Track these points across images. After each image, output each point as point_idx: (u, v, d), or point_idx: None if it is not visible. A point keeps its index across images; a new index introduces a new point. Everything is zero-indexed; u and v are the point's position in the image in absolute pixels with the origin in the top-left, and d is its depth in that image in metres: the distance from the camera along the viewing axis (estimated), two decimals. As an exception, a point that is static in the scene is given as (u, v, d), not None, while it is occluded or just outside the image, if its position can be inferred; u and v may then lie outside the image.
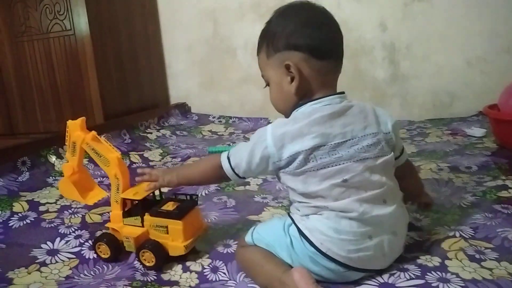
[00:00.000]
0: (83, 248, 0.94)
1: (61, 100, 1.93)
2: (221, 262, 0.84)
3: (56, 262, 0.90)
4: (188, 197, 0.89)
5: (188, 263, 0.85)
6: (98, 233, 0.96)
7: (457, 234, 0.86)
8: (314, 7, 0.79)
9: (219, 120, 2.28)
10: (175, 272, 0.83)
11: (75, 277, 0.84)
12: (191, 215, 0.86)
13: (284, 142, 0.72)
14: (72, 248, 0.95)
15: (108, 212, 1.10)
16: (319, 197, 0.71)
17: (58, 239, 0.98)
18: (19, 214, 1.11)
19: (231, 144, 1.88)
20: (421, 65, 2.01)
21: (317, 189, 0.71)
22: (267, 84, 0.82)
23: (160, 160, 1.64)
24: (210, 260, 0.85)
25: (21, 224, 1.06)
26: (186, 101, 2.43)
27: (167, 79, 2.45)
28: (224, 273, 0.81)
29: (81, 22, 1.78)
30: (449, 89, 2.00)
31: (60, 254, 0.93)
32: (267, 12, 2.16)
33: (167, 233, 0.84)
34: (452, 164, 1.29)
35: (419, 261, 0.76)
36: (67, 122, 0.92)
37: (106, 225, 0.90)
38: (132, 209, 0.88)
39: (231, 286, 0.77)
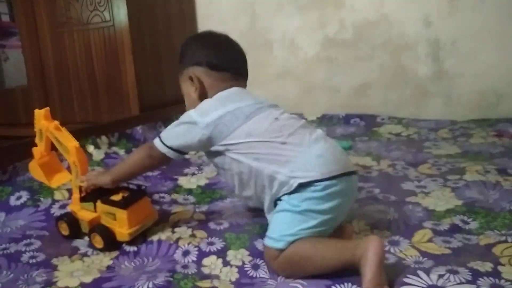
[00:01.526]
0: (123, 242, 0.94)
1: (98, 90, 1.95)
2: (262, 260, 0.83)
3: (98, 253, 0.91)
4: (137, 187, 0.97)
5: (228, 258, 0.84)
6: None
7: (509, 240, 0.82)
8: (217, 35, 0.99)
9: (253, 114, 2.26)
10: (215, 266, 0.83)
11: (116, 267, 0.85)
12: (138, 205, 0.93)
13: (207, 112, 0.86)
14: (113, 239, 0.96)
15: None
16: (274, 136, 0.82)
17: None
18: (60, 202, 1.12)
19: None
20: (467, 63, 1.93)
21: (264, 127, 0.84)
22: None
23: (195, 154, 1.64)
24: (251, 257, 0.84)
25: (62, 212, 1.07)
26: (220, 94, 2.42)
27: (203, 72, 2.45)
28: (265, 271, 0.80)
29: (121, 14, 1.80)
30: (496, 89, 1.91)
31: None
32: (306, 5, 2.15)
33: (115, 220, 0.91)
34: (500, 166, 1.24)
35: (469, 264, 0.72)
36: (34, 111, 1.00)
37: (68, 206, 1.00)
38: (88, 195, 0.96)
39: (271, 285, 0.76)
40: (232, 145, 0.84)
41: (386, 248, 0.82)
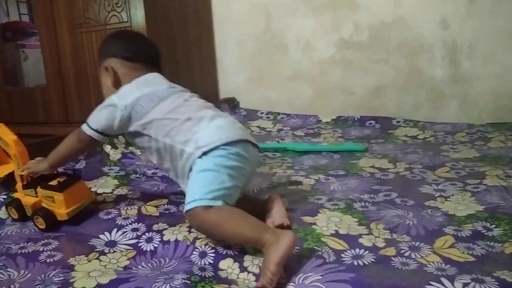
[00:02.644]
0: (140, 241, 0.94)
1: (115, 91, 1.96)
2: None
3: (114, 252, 0.91)
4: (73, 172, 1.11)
5: (245, 264, 0.83)
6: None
7: (536, 248, 0.80)
8: (132, 32, 1.25)
9: (267, 116, 2.26)
10: (232, 271, 0.82)
11: (133, 268, 0.85)
12: (74, 187, 1.03)
13: (125, 95, 0.99)
14: (129, 239, 0.95)
15: (164, 205, 1.11)
16: (181, 114, 0.96)
17: (115, 230, 0.99)
18: (78, 203, 1.13)
19: (280, 141, 1.86)
20: (485, 66, 1.91)
21: (173, 106, 0.98)
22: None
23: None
24: (268, 261, 0.83)
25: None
26: (235, 96, 2.42)
27: (217, 74, 2.45)
28: (283, 277, 0.78)
29: (138, 14, 1.80)
30: (514, 92, 1.89)
31: (118, 245, 0.94)
32: (321, 6, 2.15)
33: (54, 202, 1.01)
34: (521, 171, 1.21)
35: (495, 274, 0.70)
36: None
37: (13, 194, 1.10)
38: (29, 183, 1.06)
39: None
40: (147, 124, 0.97)
41: (407, 254, 0.81)
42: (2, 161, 1.15)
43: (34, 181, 1.05)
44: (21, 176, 1.06)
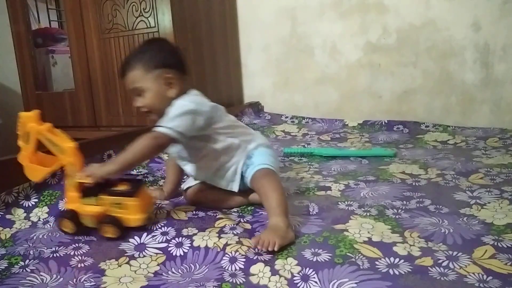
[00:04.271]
0: (170, 245, 0.94)
1: (142, 95, 1.98)
2: (311, 270, 0.80)
3: (144, 256, 0.90)
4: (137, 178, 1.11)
5: (277, 267, 0.82)
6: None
7: None
8: (171, 43, 1.17)
9: (291, 120, 2.24)
10: (263, 274, 0.80)
11: (164, 274, 0.84)
12: (142, 192, 1.01)
13: (202, 103, 1.06)
14: (159, 243, 0.95)
15: (192, 210, 1.11)
16: (239, 123, 1.19)
17: (145, 234, 0.99)
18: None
19: (305, 145, 1.84)
20: (518, 69, 1.86)
21: (233, 117, 1.17)
22: (139, 94, 1.06)
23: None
24: (299, 268, 0.81)
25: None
26: (259, 100, 2.41)
27: (242, 78, 2.45)
28: (316, 282, 0.77)
29: (165, 19, 1.82)
30: (549, 96, 1.82)
31: (147, 249, 0.93)
32: (348, 10, 2.13)
33: (124, 208, 0.97)
34: (561, 178, 1.17)
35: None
36: (20, 113, 1.00)
37: (65, 205, 1.01)
38: (87, 191, 0.98)
39: (324, 295, 0.73)
40: (220, 128, 1.08)
41: (444, 263, 0.78)
42: (49, 164, 1.02)
43: (92, 189, 0.98)
44: (80, 184, 0.98)
